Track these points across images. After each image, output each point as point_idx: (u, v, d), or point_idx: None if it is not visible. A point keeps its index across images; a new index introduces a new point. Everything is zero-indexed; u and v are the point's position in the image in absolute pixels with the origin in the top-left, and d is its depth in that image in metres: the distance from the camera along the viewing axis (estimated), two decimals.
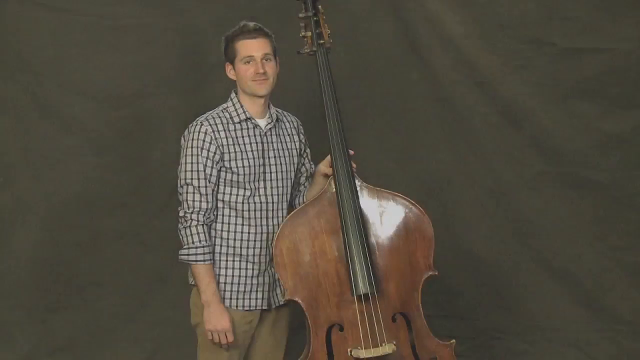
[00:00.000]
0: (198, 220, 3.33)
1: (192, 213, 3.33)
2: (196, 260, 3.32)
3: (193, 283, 3.47)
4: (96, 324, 4.57)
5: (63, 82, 4.47)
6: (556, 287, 4.55)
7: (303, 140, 3.62)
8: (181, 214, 3.36)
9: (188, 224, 3.33)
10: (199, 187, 3.33)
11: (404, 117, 4.58)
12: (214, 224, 3.39)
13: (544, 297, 4.57)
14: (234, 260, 3.42)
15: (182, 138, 3.43)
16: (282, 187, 3.48)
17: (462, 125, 4.53)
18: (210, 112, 3.45)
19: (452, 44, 4.46)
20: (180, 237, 3.37)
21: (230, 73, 3.44)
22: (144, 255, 4.58)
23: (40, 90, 4.46)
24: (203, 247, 3.33)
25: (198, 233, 3.33)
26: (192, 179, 3.34)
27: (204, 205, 3.33)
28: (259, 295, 3.44)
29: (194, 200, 3.33)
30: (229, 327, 3.33)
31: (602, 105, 4.42)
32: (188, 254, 3.33)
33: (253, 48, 3.36)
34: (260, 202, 3.42)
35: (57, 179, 4.51)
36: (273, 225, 3.43)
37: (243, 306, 3.42)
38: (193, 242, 3.33)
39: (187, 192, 3.35)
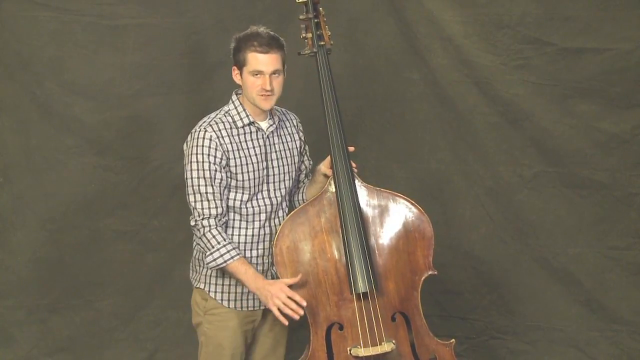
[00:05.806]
0: (210, 225, 3.28)
1: (202, 220, 3.27)
2: (225, 262, 3.26)
3: (196, 285, 3.47)
4: (96, 324, 4.58)
5: (63, 82, 4.46)
6: (556, 287, 4.55)
7: (302, 138, 3.61)
8: (192, 222, 3.31)
9: (202, 232, 3.28)
10: (206, 193, 3.28)
11: (404, 117, 4.58)
12: None
13: (544, 297, 4.57)
14: None
15: (185, 144, 3.38)
16: (284, 187, 3.48)
17: (462, 125, 4.53)
18: (212, 115, 3.40)
19: (452, 44, 4.45)
20: (201, 247, 3.32)
21: (236, 77, 3.38)
22: (144, 255, 4.58)
23: (40, 90, 4.45)
24: (225, 246, 3.27)
25: (214, 236, 3.27)
26: (199, 185, 3.28)
27: (213, 211, 3.28)
28: None
29: (202, 208, 3.28)
30: (287, 291, 3.22)
31: (602, 105, 4.41)
32: (214, 259, 3.27)
33: (264, 63, 3.29)
34: (265, 205, 3.42)
35: (57, 179, 4.50)
36: (275, 225, 3.44)
37: (247, 307, 3.43)
38: (213, 246, 3.27)
39: (195, 200, 3.29)
